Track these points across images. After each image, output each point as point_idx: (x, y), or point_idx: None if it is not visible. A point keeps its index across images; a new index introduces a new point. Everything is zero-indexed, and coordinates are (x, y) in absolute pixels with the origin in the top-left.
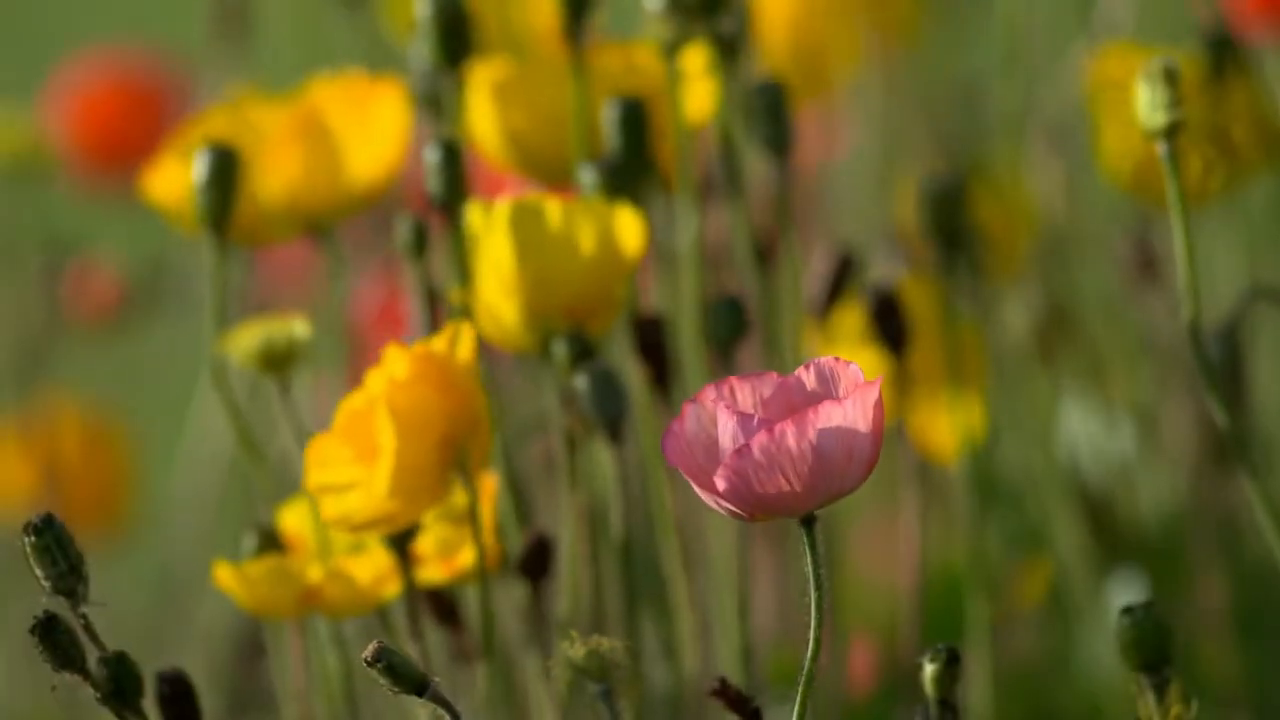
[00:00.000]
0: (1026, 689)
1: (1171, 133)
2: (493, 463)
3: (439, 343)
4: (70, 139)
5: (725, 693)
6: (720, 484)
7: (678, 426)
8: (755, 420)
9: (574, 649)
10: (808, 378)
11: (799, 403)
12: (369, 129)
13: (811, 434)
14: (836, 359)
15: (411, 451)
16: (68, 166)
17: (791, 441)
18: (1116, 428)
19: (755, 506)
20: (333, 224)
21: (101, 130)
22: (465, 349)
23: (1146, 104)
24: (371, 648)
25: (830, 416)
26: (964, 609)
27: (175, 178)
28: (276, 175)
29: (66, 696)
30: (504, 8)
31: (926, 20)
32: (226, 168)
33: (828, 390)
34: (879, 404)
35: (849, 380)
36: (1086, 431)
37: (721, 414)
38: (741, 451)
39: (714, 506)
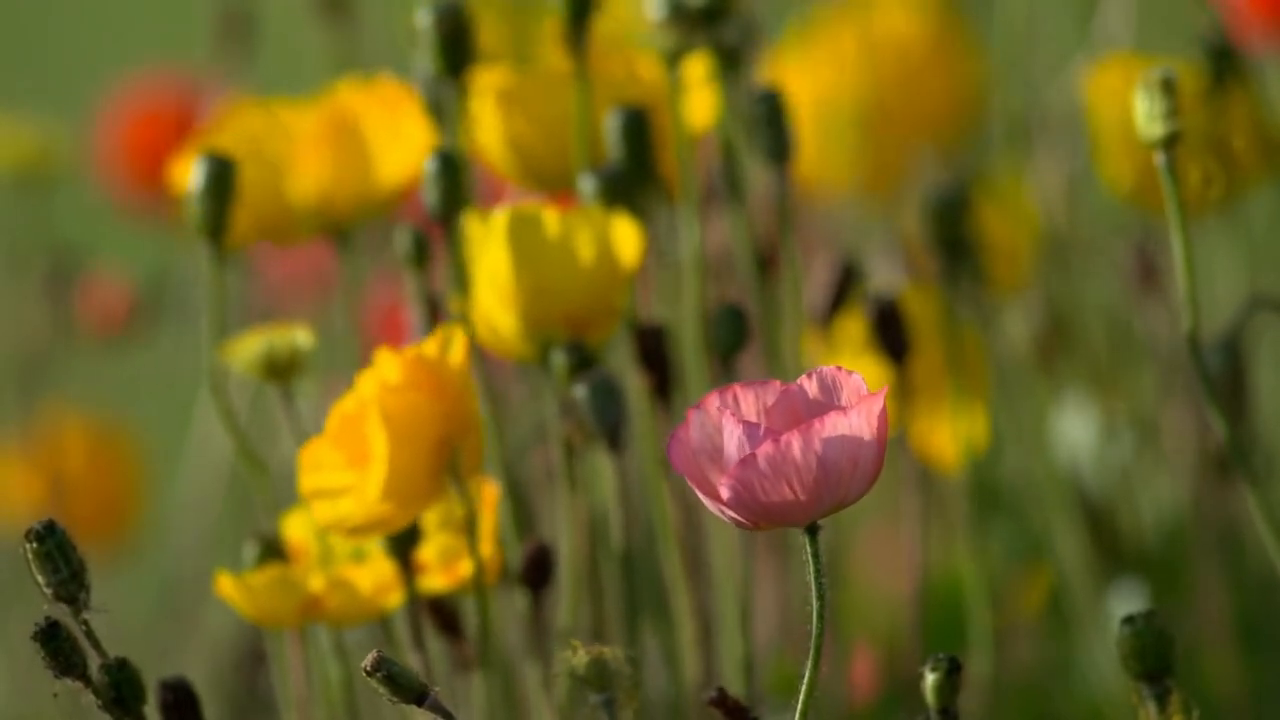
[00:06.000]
0: (1028, 698)
1: (1169, 143)
2: (493, 472)
3: (430, 347)
4: (115, 161)
5: (723, 702)
6: (725, 493)
7: (683, 433)
8: (761, 430)
9: (576, 658)
10: (810, 386)
11: (802, 411)
12: (399, 133)
13: (817, 444)
14: (839, 368)
15: (404, 456)
16: (109, 186)
17: (797, 451)
18: (1117, 437)
19: (760, 515)
20: (357, 226)
21: (147, 153)
22: (457, 353)
23: (1145, 114)
24: (371, 657)
25: (835, 426)
26: (965, 618)
27: None
28: (306, 176)
29: (68, 703)
30: (506, 17)
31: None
32: (223, 177)
33: (830, 399)
34: (883, 414)
35: (851, 389)
36: (1087, 440)
37: (727, 422)
38: (747, 461)
39: (718, 514)
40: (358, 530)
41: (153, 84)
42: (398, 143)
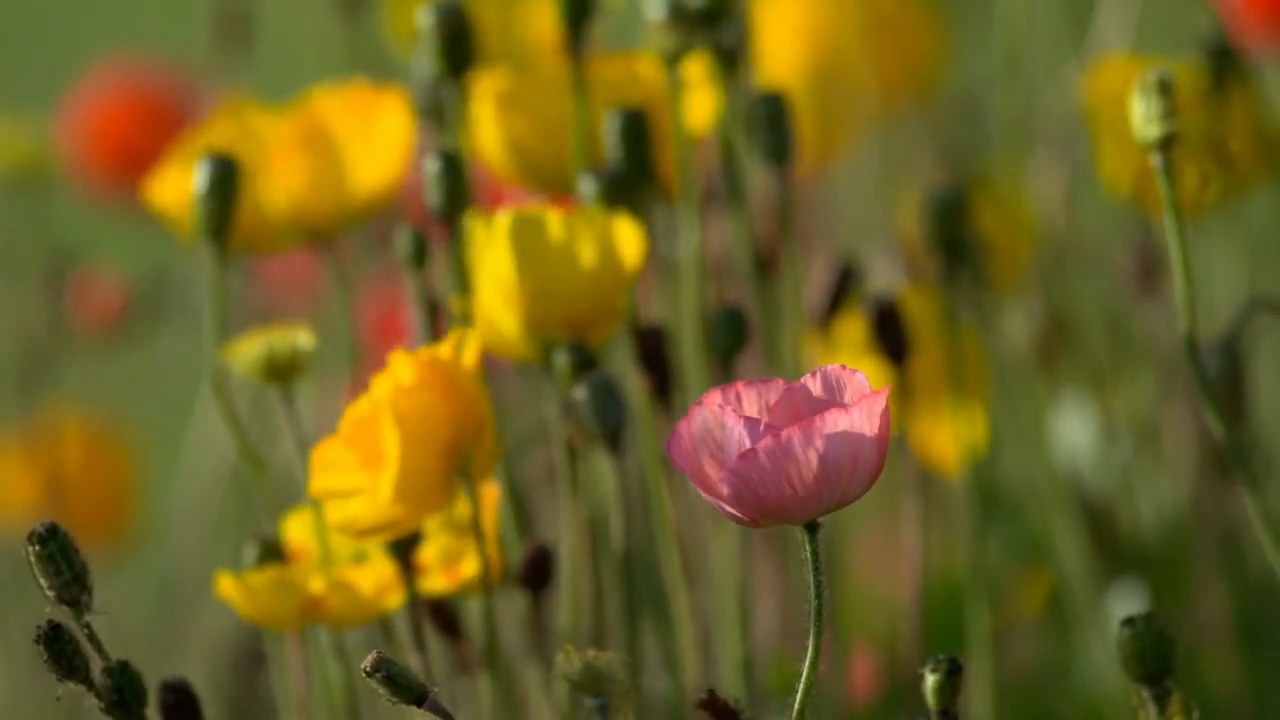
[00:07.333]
0: (1027, 699)
1: (1166, 144)
2: (494, 473)
3: (444, 349)
4: (83, 151)
5: (713, 703)
6: (725, 488)
7: (683, 428)
8: (762, 425)
9: (570, 662)
10: (814, 385)
11: (805, 409)
12: (373, 139)
13: (818, 441)
14: (843, 367)
15: (416, 457)
16: (80, 178)
17: (798, 447)
18: (1117, 438)
19: (759, 511)
20: (336, 234)
21: (114, 143)
22: (470, 356)
23: (1141, 116)
24: (371, 658)
25: (837, 423)
26: (965, 619)
27: (179, 185)
28: (280, 184)
29: (70, 706)
30: (506, 18)
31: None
32: (226, 178)
33: (833, 397)
34: (885, 412)
35: (855, 388)
36: (1087, 441)
37: (728, 418)
38: (747, 456)
39: (717, 510)
40: (368, 532)
41: (123, 76)
42: (374, 149)
